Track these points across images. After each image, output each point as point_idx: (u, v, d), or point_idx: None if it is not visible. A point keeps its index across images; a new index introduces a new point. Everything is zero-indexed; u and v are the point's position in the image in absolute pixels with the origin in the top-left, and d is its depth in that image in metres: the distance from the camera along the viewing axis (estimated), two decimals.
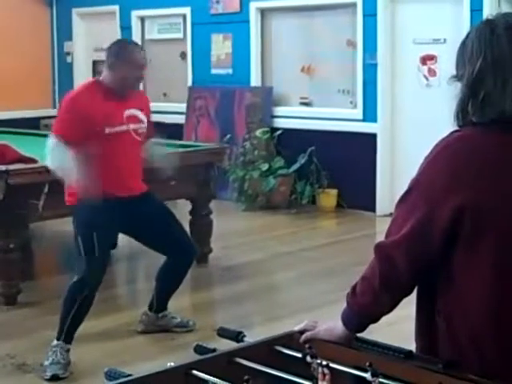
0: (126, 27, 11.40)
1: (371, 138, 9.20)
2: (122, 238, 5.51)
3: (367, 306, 2.21)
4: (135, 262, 7.59)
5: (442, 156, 2.13)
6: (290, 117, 9.91)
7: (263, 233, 8.57)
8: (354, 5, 9.28)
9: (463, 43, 2.17)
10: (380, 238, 2.25)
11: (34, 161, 6.05)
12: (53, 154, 4.77)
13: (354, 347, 2.25)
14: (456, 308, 2.13)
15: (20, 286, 6.11)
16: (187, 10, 10.80)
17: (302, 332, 2.35)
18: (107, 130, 4.80)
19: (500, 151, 2.10)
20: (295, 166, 9.59)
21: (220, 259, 7.32)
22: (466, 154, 2.10)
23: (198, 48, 10.74)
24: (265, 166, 9.64)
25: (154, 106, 10.10)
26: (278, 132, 9.89)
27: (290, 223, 9.02)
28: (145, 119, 5.08)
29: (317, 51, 9.75)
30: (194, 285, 6.53)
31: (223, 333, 2.46)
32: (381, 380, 2.03)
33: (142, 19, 11.42)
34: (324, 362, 2.08)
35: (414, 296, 2.24)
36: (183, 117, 10.78)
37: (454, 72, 2.19)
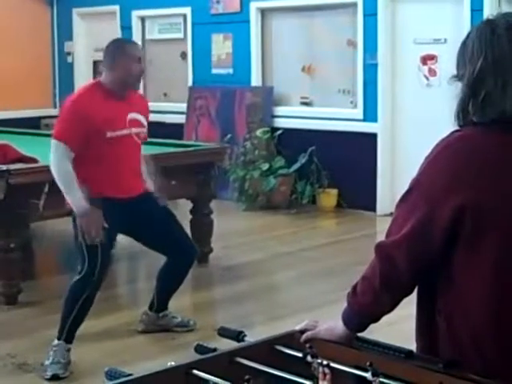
0: (126, 27, 11.40)
1: (371, 137, 9.20)
2: (123, 238, 5.51)
3: (368, 305, 2.21)
4: (136, 261, 7.59)
5: (442, 156, 2.13)
6: (290, 117, 9.91)
7: (263, 233, 8.58)
8: (354, 4, 9.29)
9: (464, 43, 2.17)
10: (380, 237, 2.25)
11: (34, 160, 6.05)
12: (59, 169, 4.74)
13: (354, 347, 2.25)
14: (456, 308, 2.13)
15: (21, 286, 6.11)
16: (187, 10, 10.80)
17: (302, 332, 2.35)
18: (109, 134, 4.79)
19: (500, 151, 2.10)
20: (295, 166, 9.60)
21: (220, 259, 7.32)
22: (466, 153, 2.10)
23: (199, 48, 10.74)
24: (265, 166, 9.64)
25: (154, 105, 10.18)
26: (279, 132, 9.89)
27: (291, 223, 9.02)
28: (146, 123, 5.09)
29: (317, 51, 9.75)
30: (194, 284, 6.53)
31: (224, 332, 2.46)
32: (381, 380, 2.04)
33: (143, 19, 11.42)
34: (325, 362, 2.08)
35: (414, 296, 2.24)
36: (184, 117, 10.78)
37: (454, 72, 2.19)
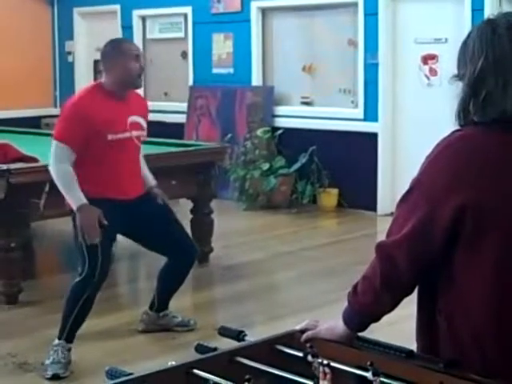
0: (127, 26, 11.41)
1: (372, 137, 9.20)
2: (123, 238, 5.51)
3: (368, 305, 2.21)
4: (136, 261, 7.59)
5: (443, 155, 2.13)
6: (290, 116, 9.91)
7: (264, 232, 8.57)
8: (355, 4, 9.28)
9: (464, 43, 2.17)
10: (381, 237, 2.25)
11: (35, 160, 6.05)
12: (57, 170, 4.74)
13: (355, 346, 2.25)
14: (457, 307, 2.13)
15: (21, 285, 6.11)
16: (188, 10, 10.80)
17: (303, 331, 2.35)
18: (110, 137, 4.79)
19: (501, 151, 2.10)
20: (296, 166, 9.59)
21: (221, 258, 7.32)
22: (467, 153, 2.10)
23: (199, 47, 10.74)
24: (266, 166, 9.64)
25: (155, 105, 10.19)
26: (279, 131, 9.89)
27: (291, 223, 9.02)
28: (145, 125, 5.09)
29: (318, 51, 9.75)
30: (194, 284, 6.53)
31: (224, 332, 2.46)
32: (382, 379, 2.04)
33: (143, 18, 11.42)
34: (325, 362, 2.08)
35: (415, 295, 2.24)
36: (184, 116, 10.78)
37: (455, 71, 2.19)
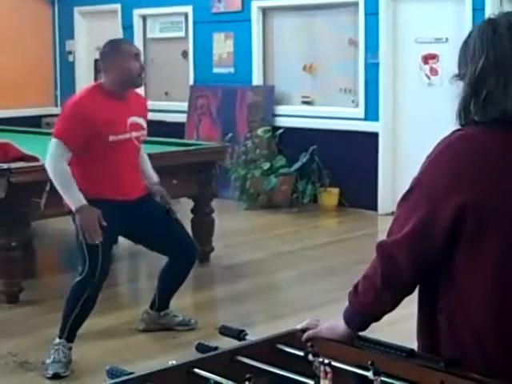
0: (127, 26, 11.41)
1: (373, 136, 9.20)
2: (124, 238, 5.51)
3: (369, 304, 2.21)
4: (137, 260, 7.59)
5: (444, 155, 2.13)
6: (291, 115, 9.91)
7: (265, 232, 8.58)
8: (355, 4, 9.28)
9: (465, 42, 2.17)
10: (382, 236, 2.25)
11: (35, 159, 6.05)
12: (55, 169, 4.73)
13: (355, 346, 2.25)
14: (458, 307, 2.13)
15: (22, 284, 6.11)
16: (189, 9, 10.80)
17: (303, 330, 2.35)
18: (111, 138, 4.79)
19: (502, 150, 2.11)
20: (297, 165, 9.59)
21: (222, 258, 7.32)
22: (468, 152, 2.10)
23: (200, 47, 10.74)
24: (266, 165, 9.64)
25: (155, 104, 10.20)
26: (280, 131, 9.89)
27: (292, 222, 9.02)
28: (145, 125, 5.09)
29: (318, 50, 9.75)
30: (195, 283, 6.53)
31: (225, 331, 2.46)
32: (383, 379, 2.04)
33: (144, 18, 11.42)
34: (326, 361, 2.08)
35: (415, 295, 2.24)
36: (185, 115, 10.78)
37: (456, 71, 2.19)
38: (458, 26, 8.28)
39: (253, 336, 2.39)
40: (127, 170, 4.95)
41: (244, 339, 2.38)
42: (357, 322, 2.25)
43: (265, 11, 10.20)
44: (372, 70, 9.18)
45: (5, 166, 5.81)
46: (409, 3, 8.97)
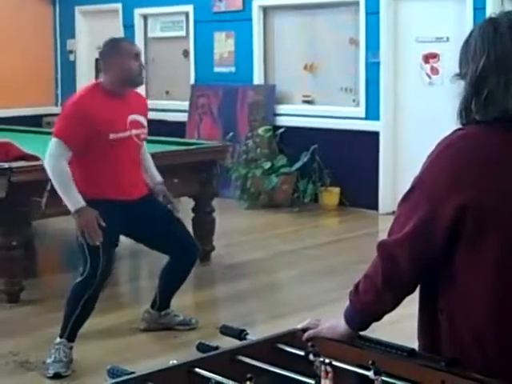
0: (128, 25, 11.41)
1: (374, 136, 9.20)
2: (125, 237, 5.51)
3: (370, 304, 2.21)
4: (137, 259, 7.60)
5: (444, 154, 2.13)
6: (292, 115, 9.91)
7: (266, 231, 8.58)
8: (356, 3, 9.28)
9: (466, 41, 2.17)
10: (382, 236, 2.25)
11: (36, 158, 6.04)
12: (54, 168, 4.73)
13: (356, 345, 2.25)
14: (458, 306, 2.13)
15: (23, 284, 6.11)
16: (190, 8, 10.80)
17: (304, 330, 2.35)
18: (111, 136, 4.79)
19: (502, 150, 2.10)
20: (298, 165, 9.59)
21: (222, 257, 7.32)
22: (468, 152, 2.10)
23: (201, 46, 10.74)
24: (267, 164, 9.64)
25: (156, 103, 10.20)
26: (281, 130, 9.89)
27: (293, 221, 9.02)
28: (146, 123, 5.09)
29: (319, 49, 9.75)
30: (196, 283, 6.53)
31: (226, 331, 2.46)
32: (383, 378, 2.03)
33: (145, 17, 11.42)
34: (327, 360, 2.08)
35: (416, 294, 2.24)
36: (186, 115, 10.79)
37: (457, 70, 2.19)
38: (458, 25, 8.28)
39: (253, 335, 2.39)
40: (128, 168, 4.94)
41: (245, 339, 2.38)
42: (357, 322, 2.25)
43: (266, 10, 10.20)
44: (373, 69, 9.18)
45: (6, 165, 5.81)
46: (409, 2, 8.97)
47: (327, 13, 9.65)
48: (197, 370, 2.13)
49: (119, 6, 11.53)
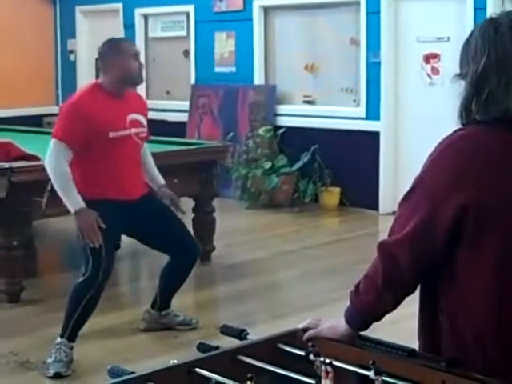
0: (129, 25, 11.41)
1: (374, 136, 9.20)
2: (125, 237, 5.51)
3: (370, 304, 2.21)
4: (138, 260, 7.60)
5: (445, 154, 2.13)
6: (293, 115, 9.91)
7: (266, 231, 8.58)
8: (357, 3, 9.28)
9: (467, 41, 2.17)
10: (383, 236, 2.25)
11: (37, 158, 6.04)
12: (55, 169, 4.73)
13: (357, 345, 2.25)
14: (459, 306, 2.13)
15: (23, 284, 6.11)
16: (190, 8, 10.80)
17: (305, 330, 2.35)
18: (111, 135, 4.79)
19: (503, 150, 2.10)
20: (298, 165, 9.59)
21: (223, 257, 7.32)
22: (469, 152, 2.10)
23: (202, 46, 10.74)
24: (268, 164, 9.64)
25: (156, 103, 10.21)
26: (281, 130, 9.89)
27: (293, 221, 9.02)
28: (145, 123, 5.09)
29: (320, 49, 9.75)
30: (196, 283, 6.53)
31: (226, 330, 2.46)
32: (384, 378, 2.03)
33: (146, 17, 11.42)
34: (327, 360, 2.08)
35: (417, 294, 2.24)
36: (186, 115, 10.79)
37: (457, 70, 2.19)
38: (459, 25, 8.27)
39: (254, 335, 2.39)
40: (128, 167, 4.94)
41: (245, 339, 2.38)
42: (358, 322, 2.25)
43: (266, 10, 10.20)
44: (373, 69, 9.18)
45: (6, 165, 5.81)
46: (410, 2, 8.97)
47: (328, 13, 9.65)
48: (197, 369, 2.13)
49: (120, 5, 11.54)
